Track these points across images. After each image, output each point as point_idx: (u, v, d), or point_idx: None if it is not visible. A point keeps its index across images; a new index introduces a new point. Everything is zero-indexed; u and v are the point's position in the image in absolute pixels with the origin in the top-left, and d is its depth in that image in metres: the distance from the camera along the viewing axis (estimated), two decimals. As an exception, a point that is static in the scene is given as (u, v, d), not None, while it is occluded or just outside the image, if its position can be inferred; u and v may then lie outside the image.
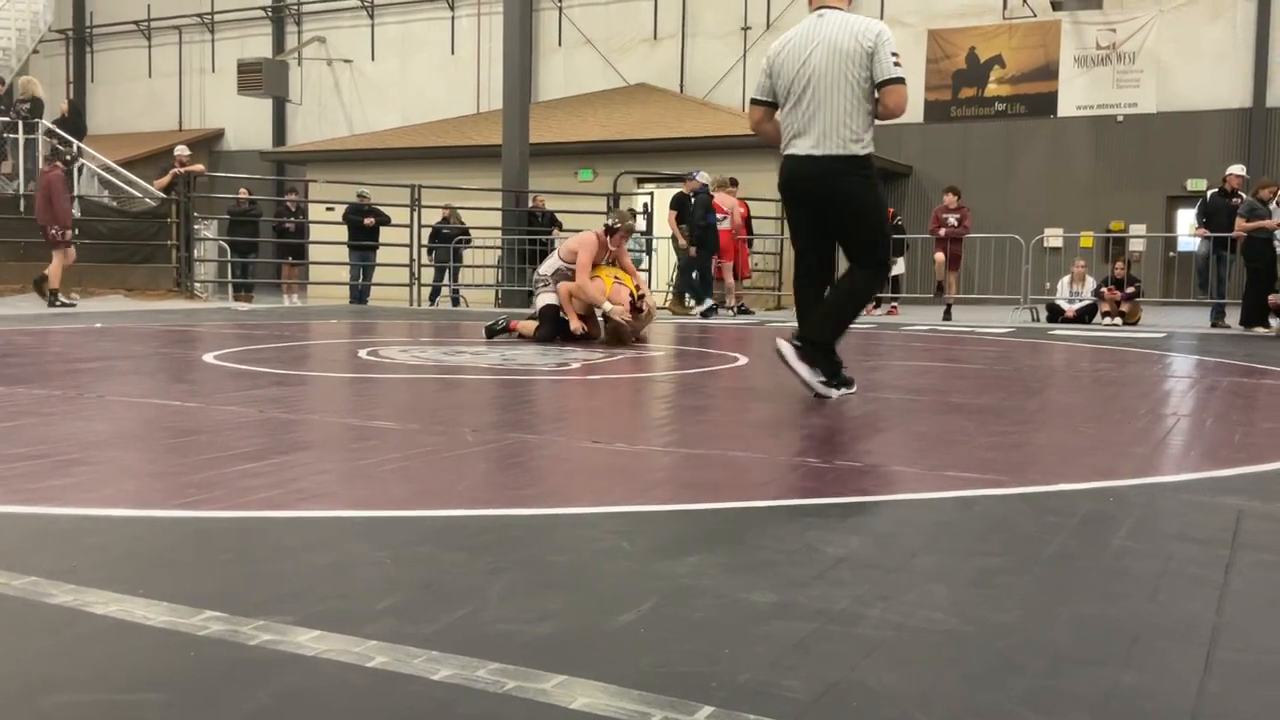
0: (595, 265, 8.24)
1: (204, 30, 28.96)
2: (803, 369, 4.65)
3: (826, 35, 4.59)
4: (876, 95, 4.60)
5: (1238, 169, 13.15)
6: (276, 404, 4.36)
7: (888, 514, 2.61)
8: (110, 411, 4.09)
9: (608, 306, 7.97)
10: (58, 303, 12.56)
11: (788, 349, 4.65)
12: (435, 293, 17.21)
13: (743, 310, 14.50)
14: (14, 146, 14.87)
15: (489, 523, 2.41)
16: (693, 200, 13.84)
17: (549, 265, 8.47)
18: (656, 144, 18.88)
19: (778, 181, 4.87)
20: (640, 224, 16.44)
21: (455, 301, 17.42)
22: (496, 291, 17.36)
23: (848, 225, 4.74)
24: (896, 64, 4.58)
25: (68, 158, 13.14)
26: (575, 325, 8.09)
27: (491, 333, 8.40)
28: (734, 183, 14.70)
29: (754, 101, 4.90)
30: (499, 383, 5.47)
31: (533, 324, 8.32)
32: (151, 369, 5.95)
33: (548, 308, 8.26)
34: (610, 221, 8.37)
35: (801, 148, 4.65)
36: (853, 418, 4.24)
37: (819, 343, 4.69)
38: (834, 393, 4.70)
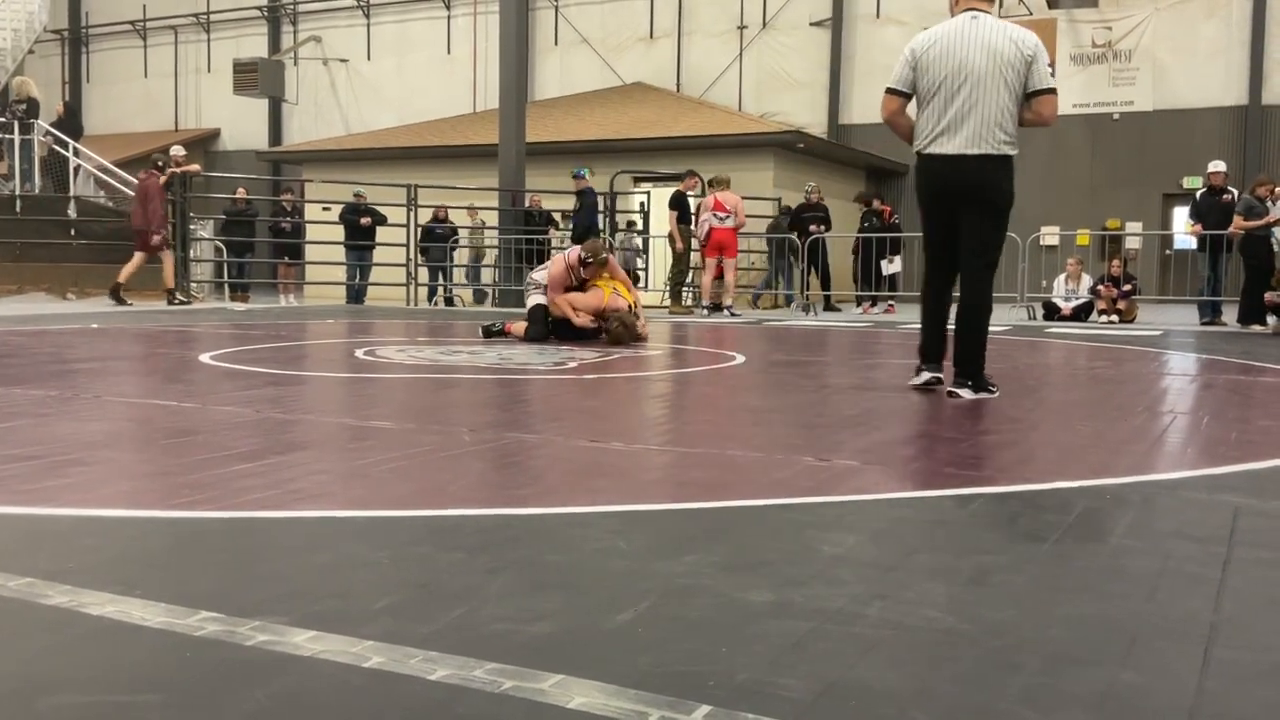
0: (581, 285, 8.39)
1: (200, 30, 28.94)
2: (976, 396, 4.80)
3: (984, 37, 4.70)
4: (1027, 102, 4.75)
5: (1218, 166, 13.07)
6: (273, 404, 4.35)
7: (885, 512, 2.61)
8: (106, 412, 4.08)
9: (581, 320, 8.16)
10: (176, 300, 13.43)
11: (966, 392, 4.80)
12: (433, 292, 17.21)
13: (725, 309, 14.45)
14: (10, 147, 14.84)
15: (486, 522, 2.41)
16: (578, 202, 13.92)
17: (541, 276, 8.56)
18: (653, 143, 18.88)
19: (922, 180, 4.94)
20: (636, 242, 16.57)
21: (449, 301, 17.40)
22: (494, 290, 17.36)
23: (984, 222, 4.82)
24: (1051, 74, 4.77)
25: (160, 163, 13.67)
26: (583, 320, 8.18)
27: (488, 333, 8.49)
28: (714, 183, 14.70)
29: (892, 92, 4.90)
30: (496, 382, 5.47)
31: (522, 325, 8.44)
32: (147, 369, 5.94)
33: (537, 308, 8.36)
34: (583, 254, 8.39)
35: (952, 146, 4.75)
36: (850, 416, 4.24)
37: (976, 370, 4.86)
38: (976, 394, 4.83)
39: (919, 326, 5.14)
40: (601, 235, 14.44)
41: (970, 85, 4.69)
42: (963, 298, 4.94)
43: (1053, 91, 4.76)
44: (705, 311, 14.10)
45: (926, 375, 4.99)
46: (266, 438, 3.49)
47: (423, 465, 3.06)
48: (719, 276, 14.30)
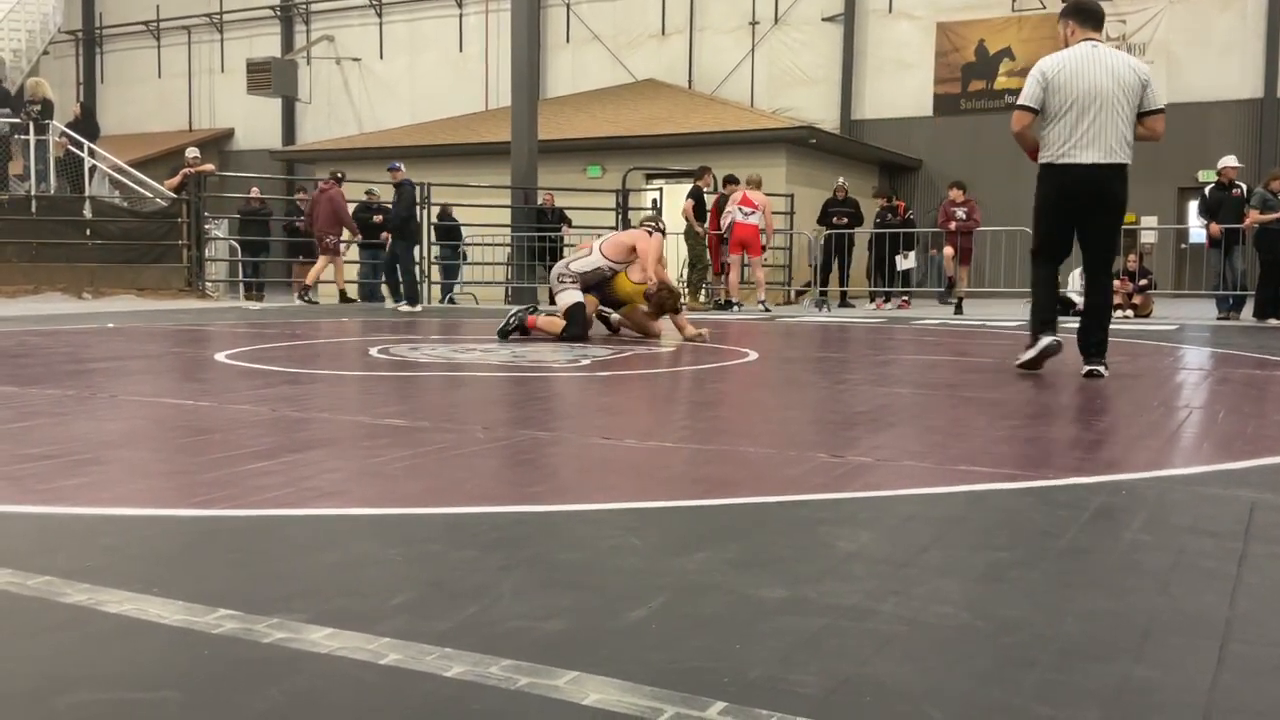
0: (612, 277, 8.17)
1: (213, 30, 29.04)
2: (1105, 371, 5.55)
3: (1108, 63, 5.41)
4: (1140, 119, 5.48)
5: (1231, 160, 12.97)
6: (288, 402, 4.37)
7: (898, 509, 2.60)
8: (123, 411, 4.11)
9: (691, 331, 8.04)
10: (307, 298, 14.30)
11: (1104, 369, 5.52)
12: (446, 290, 17.23)
13: (723, 304, 14.44)
14: (25, 148, 14.91)
15: (500, 520, 2.42)
16: (396, 195, 13.51)
17: (584, 263, 8.10)
18: (665, 139, 18.87)
19: (1053, 184, 5.51)
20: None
21: (452, 299, 17.35)
22: (506, 289, 17.37)
23: (1111, 224, 5.58)
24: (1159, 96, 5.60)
25: (338, 175, 14.64)
26: (654, 328, 8.08)
27: (505, 333, 7.95)
28: (729, 181, 14.67)
29: (1025, 108, 5.51)
30: (509, 380, 5.48)
31: (555, 321, 7.91)
32: (163, 368, 5.97)
33: (578, 306, 7.91)
34: (661, 225, 8.38)
35: (1088, 157, 5.39)
36: (864, 412, 4.23)
37: (1104, 351, 5.60)
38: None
39: (1035, 306, 5.73)
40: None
41: (1100, 104, 5.34)
42: (1097, 299, 5.62)
43: (1163, 111, 5.50)
44: (737, 309, 14.07)
45: (1050, 339, 5.57)
46: (282, 436, 3.51)
47: (437, 463, 3.07)
48: (717, 273, 14.32)
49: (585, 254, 8.27)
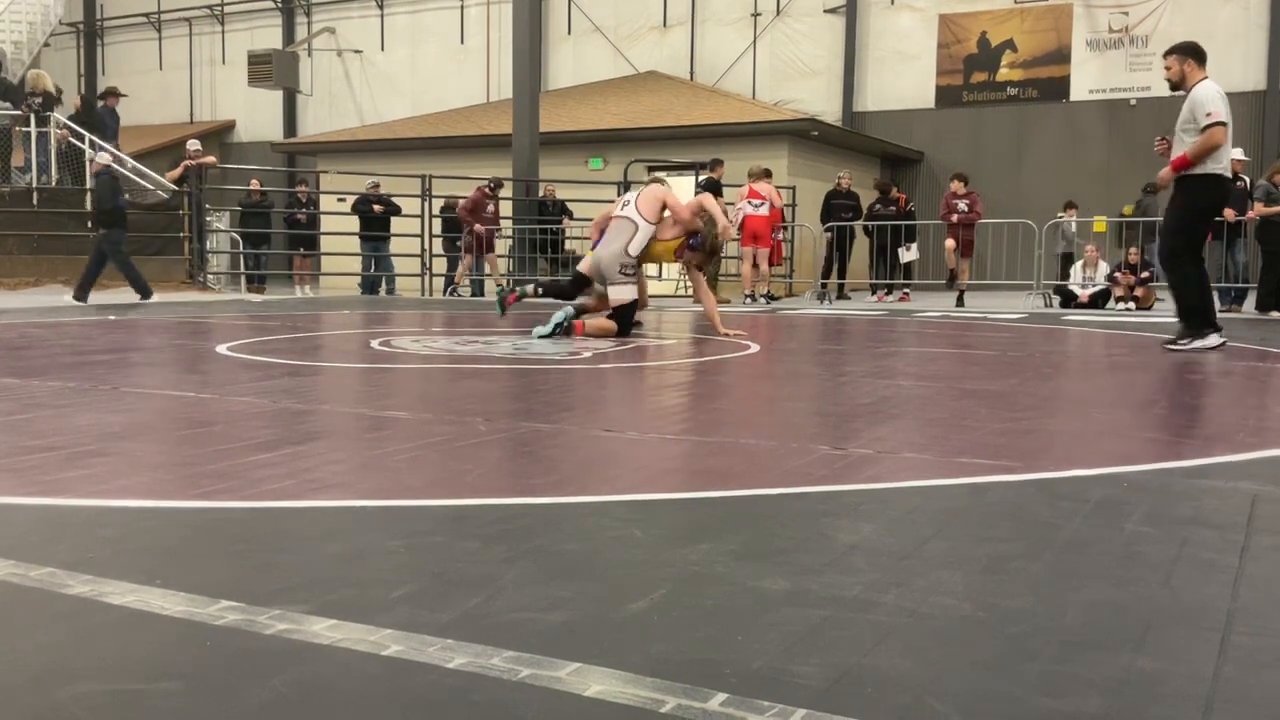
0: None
1: (214, 22, 29.00)
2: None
3: (1224, 95, 6.87)
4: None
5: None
6: (289, 395, 4.37)
7: (900, 501, 2.61)
8: (125, 403, 4.11)
9: (733, 233, 8.05)
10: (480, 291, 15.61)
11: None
12: (448, 282, 17.18)
13: (771, 298, 14.46)
14: (26, 140, 14.90)
15: (501, 512, 2.42)
16: (96, 181, 12.58)
17: (639, 241, 7.64)
18: (667, 132, 18.83)
19: (1219, 191, 6.91)
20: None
21: (455, 291, 17.29)
22: (508, 281, 17.37)
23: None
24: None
25: (491, 185, 15.46)
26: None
27: (561, 327, 7.33)
28: (768, 173, 14.66)
29: (1224, 125, 6.64)
30: (511, 372, 5.47)
31: (607, 325, 7.55)
32: (165, 361, 5.97)
33: (629, 307, 7.64)
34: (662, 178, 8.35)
35: (1229, 170, 6.95)
36: (865, 404, 4.23)
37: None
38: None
39: (1205, 304, 6.88)
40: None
41: (1232, 129, 6.77)
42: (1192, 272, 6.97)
43: None
44: (747, 301, 14.08)
45: (1221, 338, 6.78)
46: (283, 428, 3.51)
47: (439, 455, 3.07)
48: (756, 265, 14.33)
49: (632, 230, 7.72)
